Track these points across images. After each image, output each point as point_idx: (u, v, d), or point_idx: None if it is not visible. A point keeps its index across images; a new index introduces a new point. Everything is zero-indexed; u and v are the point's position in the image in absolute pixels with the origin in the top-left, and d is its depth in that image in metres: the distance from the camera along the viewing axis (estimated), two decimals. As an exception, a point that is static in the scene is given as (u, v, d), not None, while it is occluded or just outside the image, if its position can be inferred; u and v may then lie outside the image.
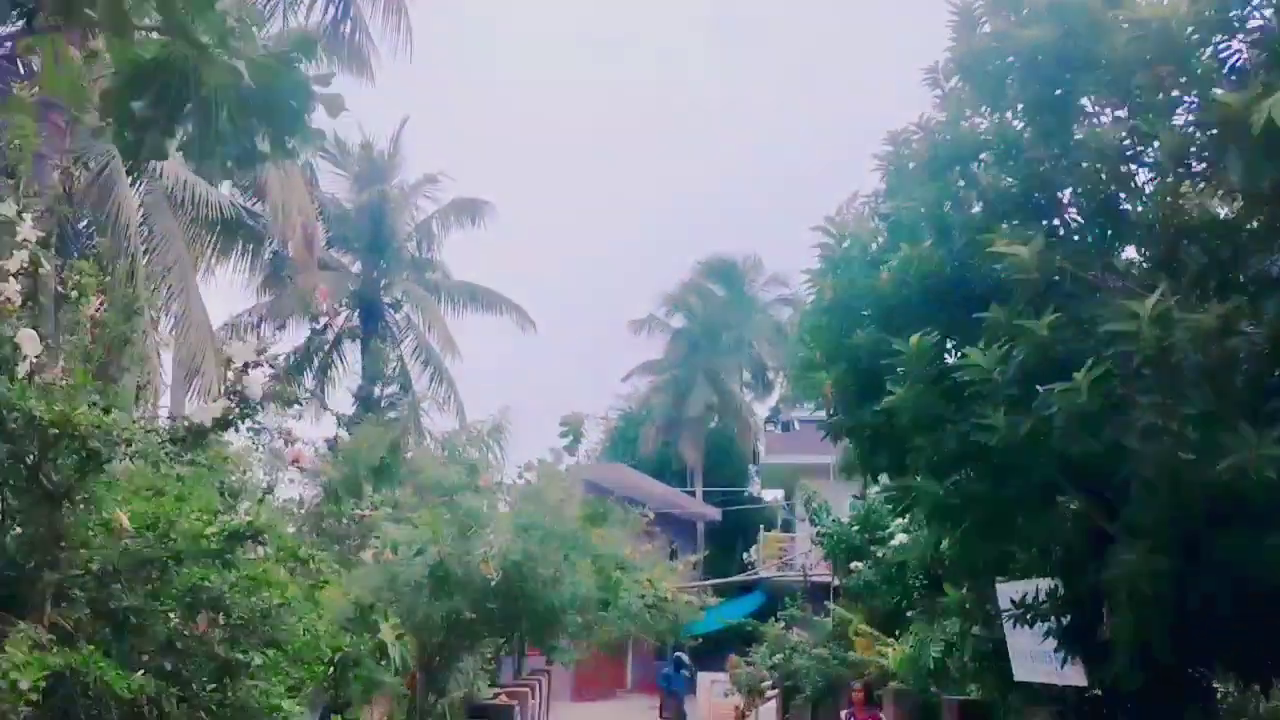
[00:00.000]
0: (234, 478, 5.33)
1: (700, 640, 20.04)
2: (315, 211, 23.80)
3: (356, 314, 27.83)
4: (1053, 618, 7.79)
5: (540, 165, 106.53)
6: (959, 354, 5.71)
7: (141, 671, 3.49)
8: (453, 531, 6.24)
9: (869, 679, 13.49)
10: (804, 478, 30.56)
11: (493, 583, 6.17)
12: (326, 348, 27.60)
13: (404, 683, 6.89)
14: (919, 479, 5.90)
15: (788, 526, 33.72)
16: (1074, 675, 8.04)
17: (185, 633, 3.90)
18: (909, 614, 14.11)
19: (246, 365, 3.77)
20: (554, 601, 6.18)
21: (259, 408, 3.66)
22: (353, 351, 27.71)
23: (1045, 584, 7.96)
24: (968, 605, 8.24)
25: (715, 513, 37.52)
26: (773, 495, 45.77)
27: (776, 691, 18.19)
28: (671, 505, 33.01)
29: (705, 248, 76.32)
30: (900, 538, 13.96)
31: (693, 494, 39.90)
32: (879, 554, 14.27)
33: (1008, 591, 8.48)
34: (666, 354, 47.37)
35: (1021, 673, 8.94)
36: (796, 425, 34.66)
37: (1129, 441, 4.88)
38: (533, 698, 10.82)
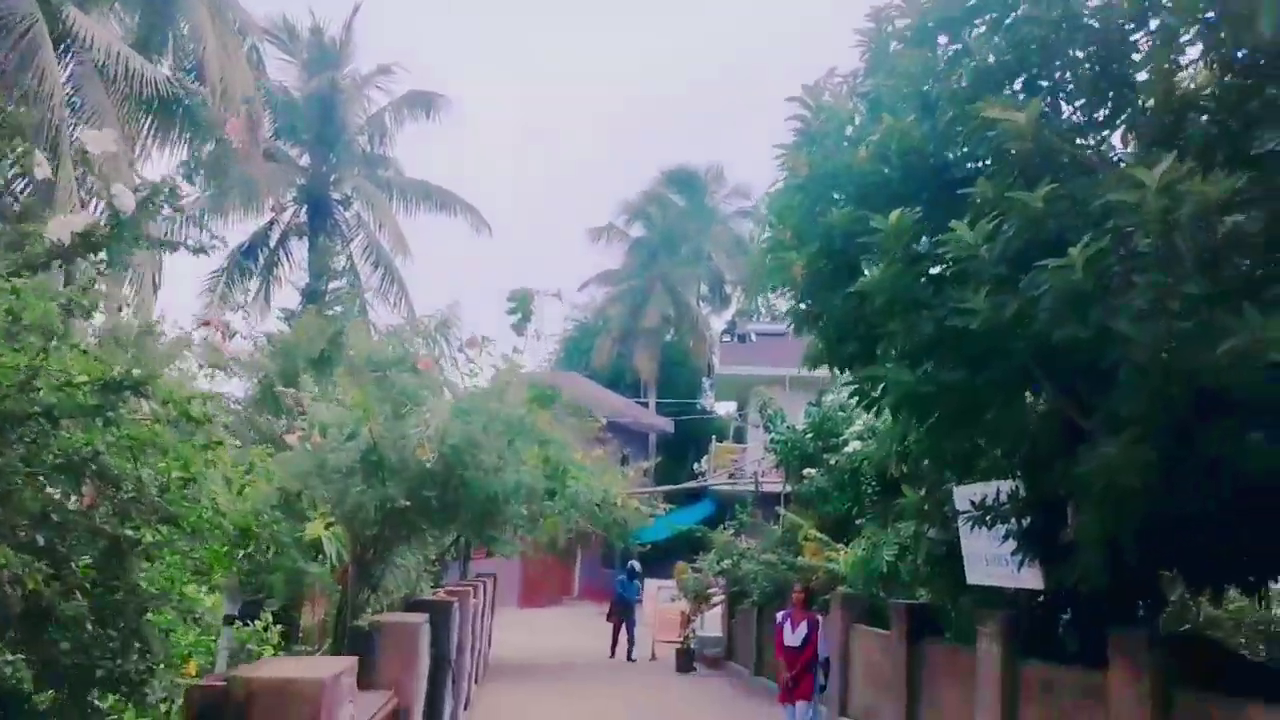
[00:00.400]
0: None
1: (649, 548, 19.93)
2: (260, 97, 22.60)
3: (304, 210, 26.73)
4: (1013, 519, 7.58)
5: (504, 62, 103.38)
6: (940, 234, 5.27)
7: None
8: (386, 412, 5.71)
9: (812, 582, 13.43)
10: (758, 389, 30.51)
11: (430, 468, 5.70)
12: (273, 244, 26.56)
13: (336, 577, 6.49)
14: (889, 367, 5.50)
15: (740, 437, 33.74)
16: (1030, 578, 7.87)
17: (66, 505, 3.38)
18: (860, 520, 14.03)
19: (105, 158, 3.19)
20: (496, 490, 5.75)
21: (135, 229, 3.06)
22: (300, 249, 26.66)
23: (1006, 486, 7.72)
24: (925, 507, 7.99)
25: (668, 424, 37.45)
26: (726, 409, 45.90)
27: (723, 597, 18.22)
28: (624, 416, 32.80)
29: (668, 158, 75.19)
30: (855, 445, 13.77)
31: (646, 405, 39.76)
32: (832, 461, 14.11)
33: (967, 494, 8.24)
34: (624, 264, 46.68)
35: (975, 576, 8.78)
36: (753, 337, 34.43)
37: (1120, 325, 4.51)
38: (475, 598, 10.48)
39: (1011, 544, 7.99)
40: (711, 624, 19.49)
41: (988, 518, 7.65)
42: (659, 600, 19.42)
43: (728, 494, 26.57)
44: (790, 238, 6.11)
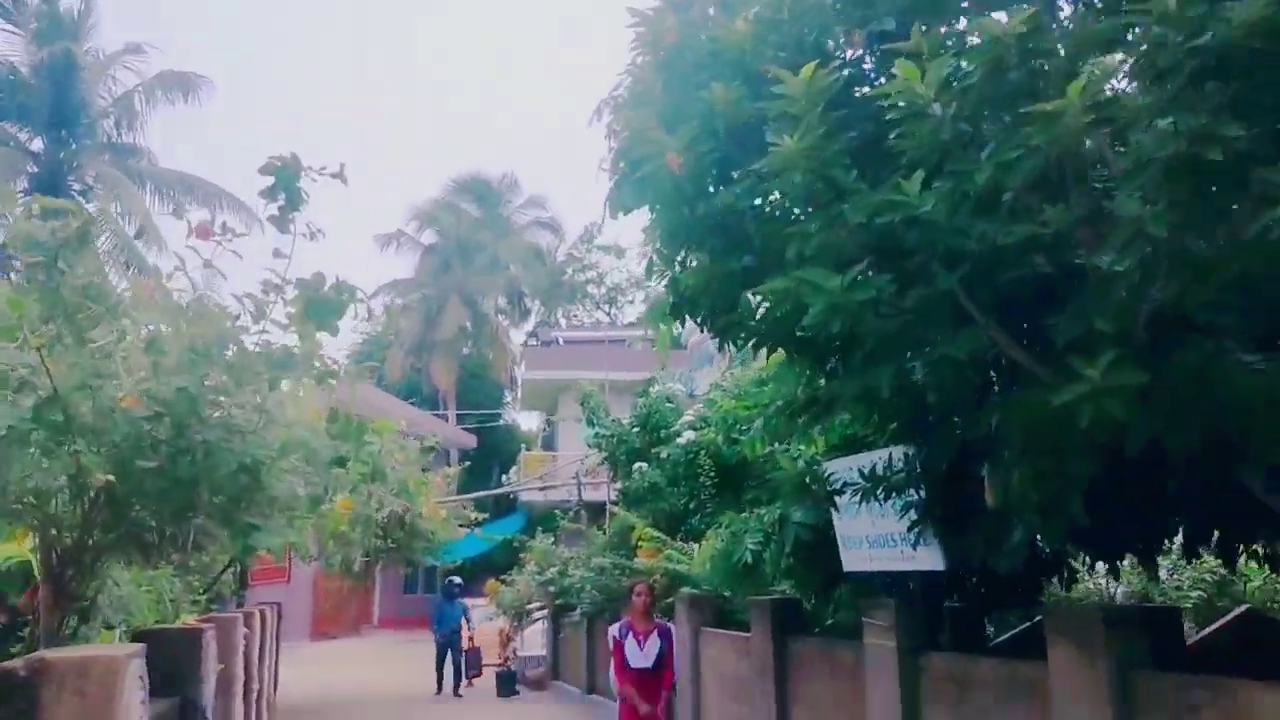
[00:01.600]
0: None
1: (461, 564, 18.02)
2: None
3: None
4: (910, 490, 6.53)
5: (281, 51, 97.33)
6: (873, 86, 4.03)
7: None
8: (64, 334, 3.70)
9: (654, 581, 12.13)
10: (579, 384, 29.11)
11: (146, 426, 3.86)
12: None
13: (19, 604, 4.52)
14: (802, 274, 4.17)
15: (549, 445, 32.21)
16: (927, 558, 6.82)
17: None
18: (696, 516, 12.87)
19: None
20: (254, 455, 4.00)
21: None
22: (34, 247, 22.91)
23: (898, 452, 6.68)
24: (808, 481, 6.80)
25: (470, 439, 35.36)
26: (531, 421, 44.29)
27: (545, 611, 16.61)
28: (423, 430, 30.50)
29: (458, 166, 72.86)
30: (688, 435, 12.62)
31: (445, 419, 37.51)
32: (663, 454, 12.92)
33: (849, 465, 7.15)
34: (417, 272, 44.25)
35: (852, 562, 7.69)
36: (560, 342, 33.07)
37: (1127, 207, 3.39)
38: (246, 628, 8.42)
39: (901, 521, 6.98)
40: (532, 642, 17.86)
41: (879, 490, 6.57)
42: (473, 621, 17.51)
43: (540, 505, 25.00)
44: (654, 129, 4.70)
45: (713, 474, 11.92)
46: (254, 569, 13.46)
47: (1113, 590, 8.31)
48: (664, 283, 6.98)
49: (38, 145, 23.84)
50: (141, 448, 3.88)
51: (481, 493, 21.81)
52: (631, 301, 49.59)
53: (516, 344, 44.57)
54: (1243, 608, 8.99)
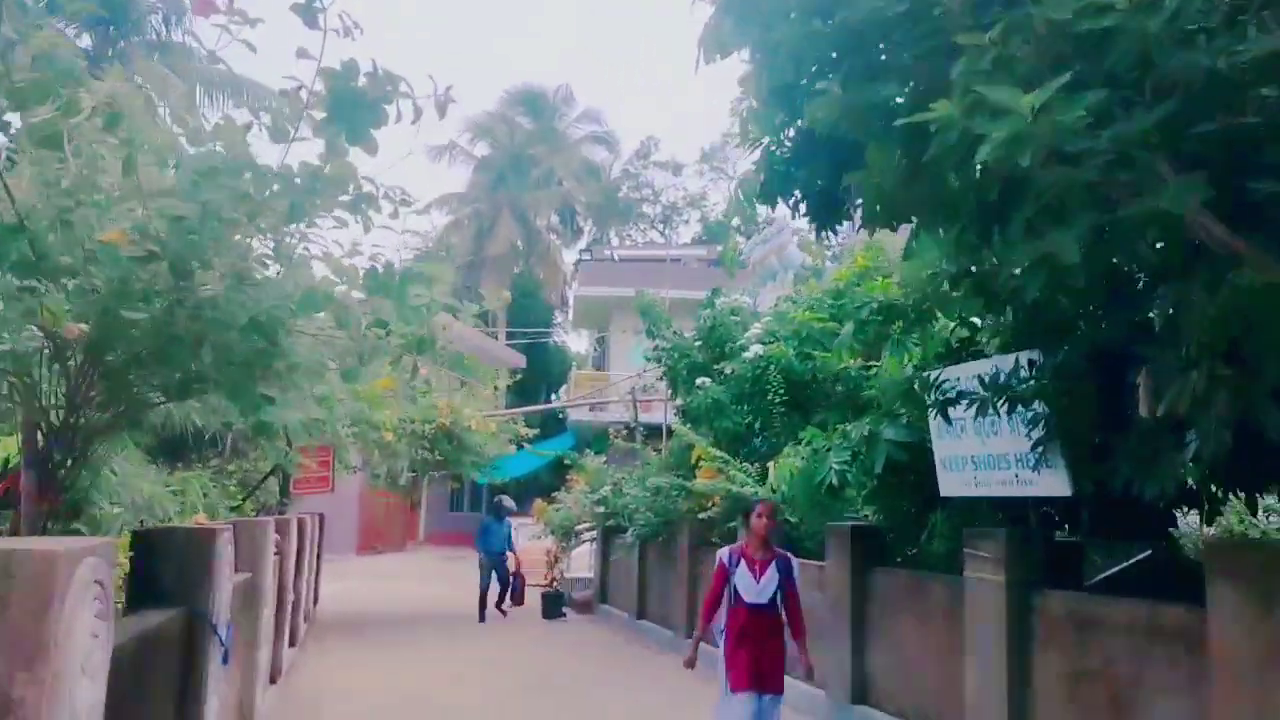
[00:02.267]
0: None
1: (508, 483, 17.39)
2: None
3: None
4: (1038, 401, 5.58)
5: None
6: None
7: None
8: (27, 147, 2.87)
9: (711, 508, 11.35)
10: (640, 291, 28.16)
11: (136, 268, 3.02)
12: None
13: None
14: (985, 88, 3.16)
15: (601, 365, 31.49)
16: (1050, 482, 5.89)
17: None
18: (759, 437, 12.01)
19: None
20: (267, 311, 3.15)
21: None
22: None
23: (1023, 358, 5.72)
24: (915, 388, 5.87)
25: (519, 359, 34.75)
26: (582, 342, 43.63)
27: (594, 533, 15.98)
28: (471, 347, 29.94)
29: (513, 79, 71.35)
30: (756, 349, 11.68)
31: (495, 338, 36.92)
32: (727, 370, 12.02)
33: (961, 375, 6.20)
34: (469, 187, 43.35)
35: (951, 486, 6.79)
36: (616, 258, 32.12)
37: None
38: (281, 535, 7.78)
39: (1020, 439, 6.04)
40: (579, 563, 17.30)
41: (1000, 401, 5.62)
42: (520, 539, 16.93)
43: (591, 426, 24.33)
44: None
45: (782, 391, 11.01)
46: (296, 478, 12.89)
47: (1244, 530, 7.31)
48: (758, 152, 6.04)
49: (86, 41, 23.11)
50: (129, 295, 3.08)
51: (530, 408, 21.08)
52: (687, 221, 48.33)
53: (568, 263, 43.68)
54: None
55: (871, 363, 10.09)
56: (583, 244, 46.45)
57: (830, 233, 6.40)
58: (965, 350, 6.96)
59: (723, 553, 6.07)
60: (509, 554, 15.02)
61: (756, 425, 11.54)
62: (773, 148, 6.03)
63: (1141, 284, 5.00)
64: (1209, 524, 5.97)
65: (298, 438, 3.17)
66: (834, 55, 3.84)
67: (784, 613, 5.96)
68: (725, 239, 39.96)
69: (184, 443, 10.90)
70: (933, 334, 7.37)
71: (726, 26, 4.56)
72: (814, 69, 4.02)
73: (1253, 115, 3.20)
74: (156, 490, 7.69)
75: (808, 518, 8.70)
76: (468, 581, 17.11)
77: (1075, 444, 5.46)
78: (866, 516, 8.16)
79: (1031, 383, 5.44)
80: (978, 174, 3.72)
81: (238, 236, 3.27)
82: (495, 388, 16.82)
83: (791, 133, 5.90)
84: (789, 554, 6.02)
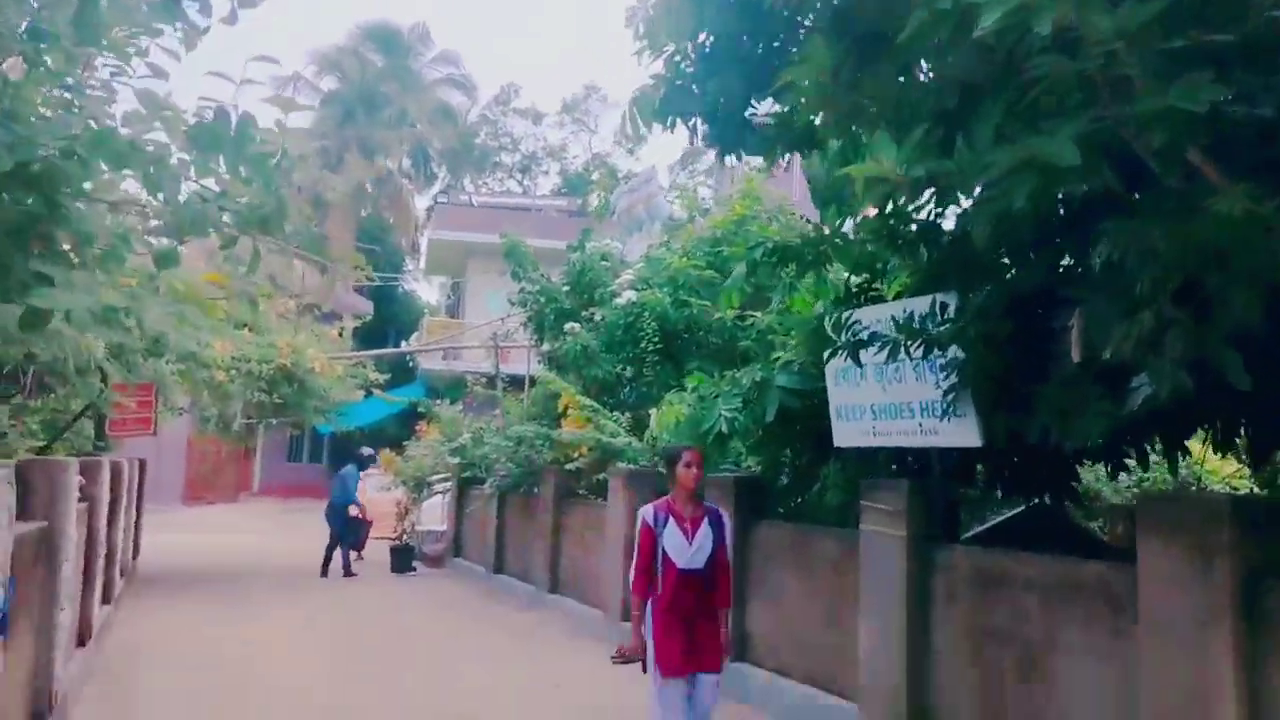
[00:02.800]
0: None
1: (355, 432, 16.30)
2: None
3: None
4: (954, 345, 5.24)
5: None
6: None
7: None
8: None
9: (579, 459, 10.80)
10: (475, 259, 27.17)
11: None
12: None
13: None
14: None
15: (454, 312, 30.34)
16: (958, 432, 5.60)
17: None
18: (629, 386, 11.54)
19: None
20: (42, 157, 2.34)
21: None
22: None
23: (941, 300, 5.38)
24: (834, 324, 5.43)
25: (365, 305, 33.15)
26: (432, 294, 42.15)
27: (449, 484, 15.17)
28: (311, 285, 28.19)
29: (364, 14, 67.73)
30: (628, 295, 11.17)
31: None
32: (596, 316, 11.47)
33: (872, 317, 5.82)
34: (315, 122, 40.84)
35: (848, 436, 6.47)
36: (473, 203, 30.87)
37: None
38: (86, 479, 6.71)
39: (926, 387, 5.72)
40: (429, 516, 16.46)
41: (913, 344, 5.25)
42: (368, 489, 15.93)
43: (443, 375, 23.31)
44: None
45: (656, 340, 10.55)
46: (113, 419, 11.55)
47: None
48: (660, 62, 5.44)
49: None
50: None
51: (379, 351, 19.78)
52: (546, 173, 47.24)
53: (420, 208, 41.97)
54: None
55: (748, 313, 9.74)
56: (436, 190, 44.78)
57: (735, 157, 5.91)
58: (864, 295, 6.62)
59: (645, 511, 5.15)
60: (351, 505, 14.01)
61: (627, 374, 11.05)
62: (677, 57, 5.46)
63: (1069, 220, 4.71)
64: (1113, 479, 5.83)
65: (84, 327, 2.46)
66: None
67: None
68: (584, 190, 39.10)
69: (-24, 375, 9.50)
70: (826, 278, 7.01)
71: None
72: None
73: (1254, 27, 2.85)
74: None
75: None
76: (306, 535, 16.02)
77: (990, 392, 5.15)
78: (749, 467, 7.79)
79: (948, 326, 5.09)
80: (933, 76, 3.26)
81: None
82: (341, 331, 15.67)
83: (700, 40, 5.35)
84: (718, 508, 5.32)
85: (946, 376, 5.28)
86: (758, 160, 6.15)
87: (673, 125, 5.74)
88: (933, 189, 4.04)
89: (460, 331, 23.94)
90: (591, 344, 11.16)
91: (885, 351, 5.26)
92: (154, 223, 2.94)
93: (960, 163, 3.19)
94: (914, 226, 6.25)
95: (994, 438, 5.26)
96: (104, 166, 2.81)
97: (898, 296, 6.27)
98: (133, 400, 11.14)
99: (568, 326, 11.37)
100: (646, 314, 10.61)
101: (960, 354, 5.14)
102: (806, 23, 4.71)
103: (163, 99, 2.80)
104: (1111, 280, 4.12)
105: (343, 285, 33.43)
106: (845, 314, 5.50)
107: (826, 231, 6.50)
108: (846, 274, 6.74)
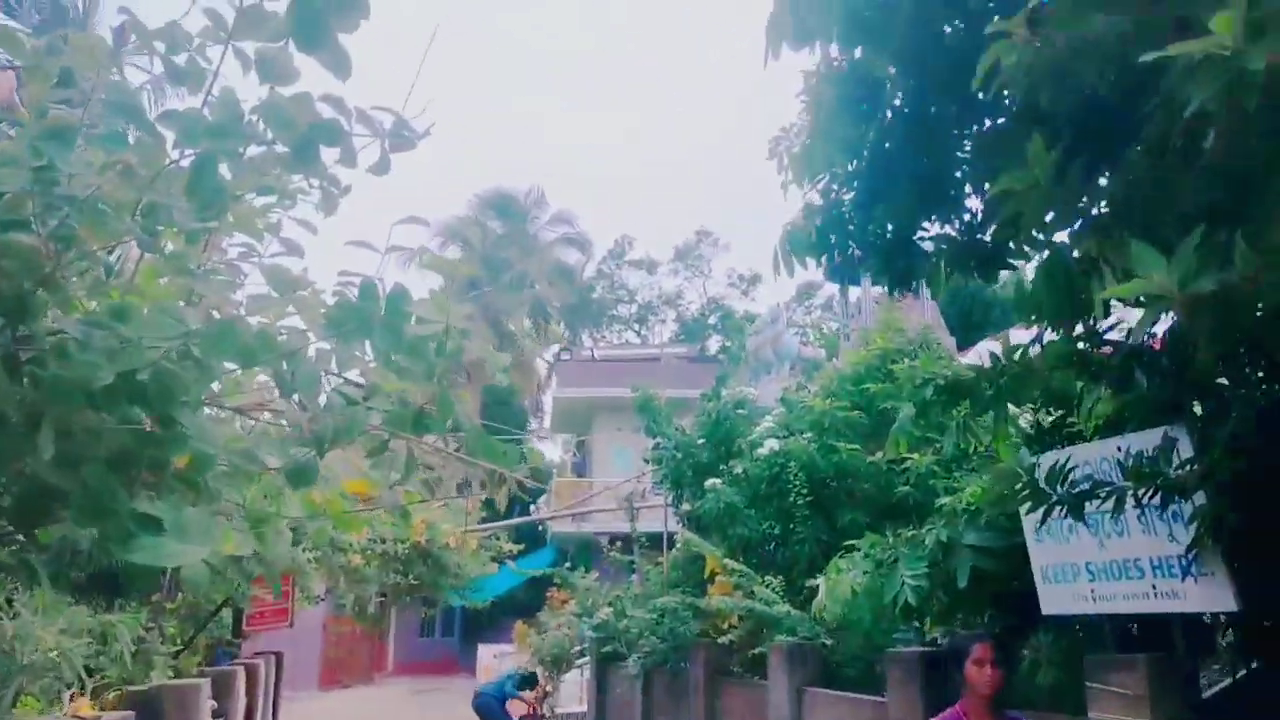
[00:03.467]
0: None
1: (490, 604, 15.72)
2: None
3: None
4: (1199, 491, 4.33)
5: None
6: None
7: None
8: None
9: (727, 631, 9.87)
10: (599, 414, 26.92)
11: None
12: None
13: None
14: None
15: (581, 471, 29.99)
16: (1207, 594, 4.61)
17: None
18: (773, 544, 10.62)
19: None
20: (159, 370, 1.86)
21: None
22: None
23: (1172, 435, 4.50)
24: (1048, 474, 4.58)
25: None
26: (556, 452, 42.15)
27: (585, 660, 14.29)
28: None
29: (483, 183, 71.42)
30: (770, 444, 10.44)
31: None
32: (738, 470, 10.72)
33: (1092, 457, 4.96)
34: (441, 293, 42.32)
35: (1059, 601, 5.49)
36: (595, 356, 30.94)
37: None
38: (229, 698, 6.26)
39: (1160, 540, 4.77)
40: (566, 695, 15.53)
41: (1148, 491, 4.36)
42: (504, 670, 15.14)
43: (573, 537, 22.73)
44: None
45: (805, 491, 9.73)
46: (250, 612, 11.28)
47: None
48: (814, 192, 4.94)
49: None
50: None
51: (512, 520, 19.41)
52: (663, 320, 47.57)
53: (541, 368, 42.55)
54: None
55: (906, 456, 8.88)
56: (557, 348, 45.51)
57: (903, 291, 5.28)
58: (1059, 433, 5.76)
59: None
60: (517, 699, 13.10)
61: (775, 531, 10.19)
62: (834, 185, 4.93)
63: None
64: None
65: (197, 589, 2.09)
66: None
67: None
68: (701, 335, 38.70)
69: (116, 575, 9.36)
70: (1006, 416, 6.17)
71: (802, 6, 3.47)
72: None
73: None
74: (65, 641, 6.21)
75: (868, 644, 7.33)
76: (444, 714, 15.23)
77: (1248, 543, 4.20)
78: (934, 640, 6.80)
79: (1188, 466, 4.20)
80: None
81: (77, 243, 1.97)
82: (474, 504, 15.33)
83: (854, 166, 4.83)
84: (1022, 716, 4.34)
85: (1190, 526, 4.35)
86: (878, 291, 5.59)
87: (831, 258, 5.19)
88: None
89: (589, 491, 23.44)
90: (734, 499, 10.40)
91: (1110, 502, 4.40)
92: (289, 429, 2.46)
93: (1248, 268, 2.46)
94: (1111, 349, 5.49)
95: (1252, 599, 4.27)
96: (227, 366, 2.35)
97: (1099, 432, 5.41)
98: (269, 593, 10.86)
99: (708, 483, 10.65)
100: (793, 464, 9.84)
101: (1202, 500, 4.23)
102: (988, 125, 4.14)
103: (298, 276, 2.35)
104: None
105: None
106: (1062, 458, 4.65)
107: (1003, 361, 5.77)
108: (1033, 410, 5.92)
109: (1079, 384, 5.57)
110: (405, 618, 27.29)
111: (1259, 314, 2.58)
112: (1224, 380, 4.45)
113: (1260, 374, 4.30)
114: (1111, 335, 5.38)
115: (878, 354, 10.55)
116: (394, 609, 18.99)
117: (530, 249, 42.75)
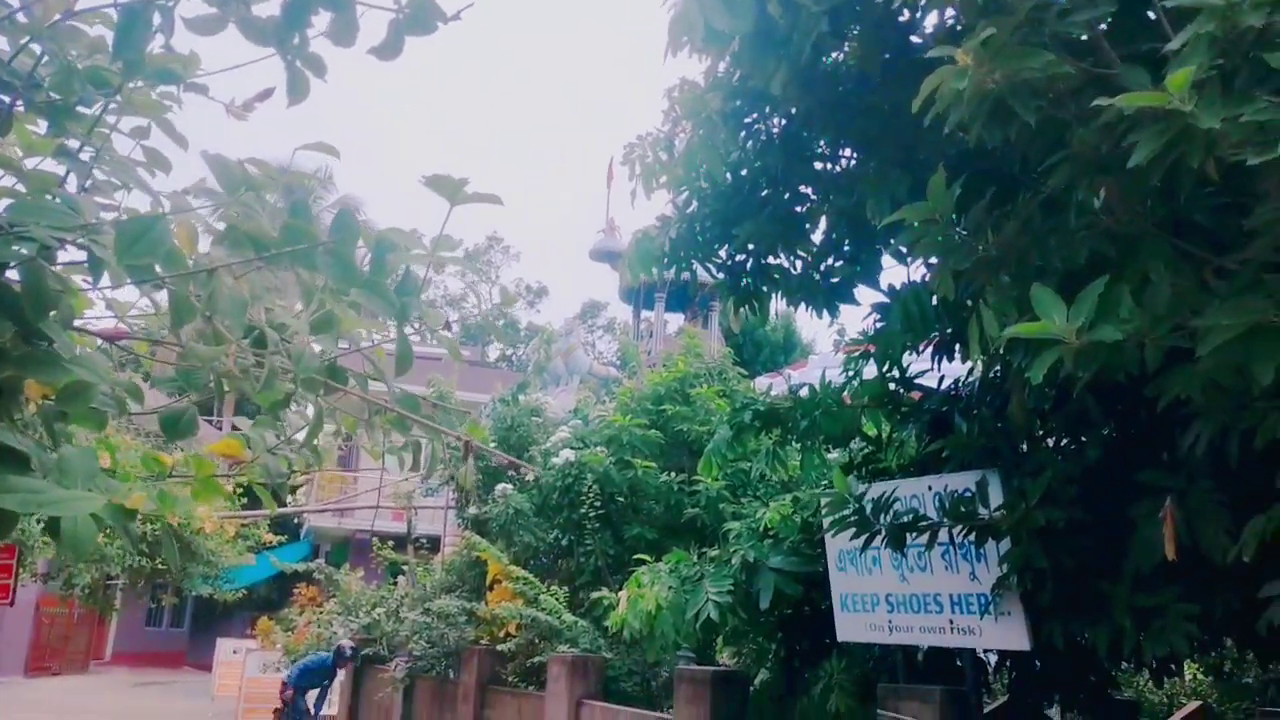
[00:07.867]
0: None
1: (242, 594, 14.53)
2: None
3: None
4: (1013, 531, 4.56)
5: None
6: None
7: None
8: None
9: (505, 639, 9.59)
10: (433, 376, 25.49)
11: None
12: None
13: None
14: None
15: (346, 466, 28.59)
16: (1002, 633, 4.88)
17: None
18: (567, 552, 10.48)
19: None
20: None
21: None
22: None
23: (987, 478, 4.74)
24: (859, 507, 4.68)
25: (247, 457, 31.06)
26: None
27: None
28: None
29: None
30: (566, 454, 10.30)
31: (219, 427, 32.97)
32: (529, 478, 10.53)
33: (916, 491, 5.13)
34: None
35: (855, 629, 5.67)
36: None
37: None
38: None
39: (962, 577, 5.01)
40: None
41: (963, 530, 4.56)
42: (246, 668, 14.06)
43: (332, 533, 21.59)
44: None
45: (597, 503, 9.66)
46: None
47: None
48: (671, 205, 4.89)
49: None
50: None
51: (277, 510, 18.03)
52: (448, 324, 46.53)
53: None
54: (1196, 703, 7.64)
55: (696, 478, 9.01)
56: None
57: (750, 309, 5.30)
58: (865, 467, 5.98)
59: None
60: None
61: (563, 541, 10.06)
62: (693, 199, 4.88)
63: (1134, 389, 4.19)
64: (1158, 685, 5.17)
65: (80, 547, 1.73)
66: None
67: None
68: (482, 340, 38.16)
69: None
70: (817, 448, 6.36)
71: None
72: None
73: None
74: None
75: (644, 661, 7.29)
76: (171, 713, 13.95)
77: (1048, 589, 4.47)
78: (721, 660, 6.87)
79: (1004, 511, 4.42)
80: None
81: None
82: (237, 488, 14.19)
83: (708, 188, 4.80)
84: None
85: (996, 567, 4.59)
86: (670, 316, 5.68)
87: (678, 273, 5.14)
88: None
89: (355, 486, 22.37)
90: (524, 506, 10.18)
91: (925, 536, 4.59)
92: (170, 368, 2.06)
93: (1138, 325, 2.58)
94: (917, 394, 5.76)
95: (1051, 640, 4.56)
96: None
97: (903, 471, 5.66)
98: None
99: (498, 488, 10.37)
100: (588, 475, 9.75)
101: (1009, 544, 4.48)
102: (857, 164, 4.21)
103: (256, 174, 1.97)
104: (1207, 470, 3.61)
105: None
106: (888, 490, 4.79)
107: (819, 394, 5.93)
108: (851, 443, 6.13)
109: (887, 424, 5.84)
110: (131, 603, 24.92)
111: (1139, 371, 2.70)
112: (1041, 432, 4.75)
113: (1071, 432, 4.58)
114: (921, 381, 5.69)
115: (678, 377, 10.68)
116: (119, 593, 17.18)
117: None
